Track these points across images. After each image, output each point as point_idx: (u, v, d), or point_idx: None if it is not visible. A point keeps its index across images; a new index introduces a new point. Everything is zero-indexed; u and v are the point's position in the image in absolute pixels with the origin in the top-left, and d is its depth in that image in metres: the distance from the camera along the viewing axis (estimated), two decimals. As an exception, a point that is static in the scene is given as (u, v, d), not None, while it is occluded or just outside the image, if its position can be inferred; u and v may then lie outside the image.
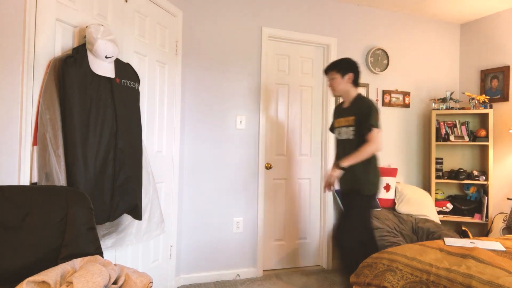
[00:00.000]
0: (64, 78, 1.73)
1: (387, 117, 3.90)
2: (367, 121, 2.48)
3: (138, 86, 2.17)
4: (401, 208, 3.58)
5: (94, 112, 1.84)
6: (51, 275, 1.27)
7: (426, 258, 2.02)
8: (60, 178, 1.69)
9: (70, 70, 1.73)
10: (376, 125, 2.47)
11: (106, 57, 1.88)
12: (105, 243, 2.03)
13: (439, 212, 3.80)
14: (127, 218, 2.14)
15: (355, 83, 2.66)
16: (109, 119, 1.90)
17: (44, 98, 1.70)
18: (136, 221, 2.17)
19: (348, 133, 2.62)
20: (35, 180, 1.69)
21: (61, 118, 1.72)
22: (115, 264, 1.49)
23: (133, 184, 2.06)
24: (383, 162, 3.86)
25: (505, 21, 3.78)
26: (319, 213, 3.68)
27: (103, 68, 1.90)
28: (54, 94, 1.72)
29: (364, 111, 2.52)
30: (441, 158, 3.90)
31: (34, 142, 1.69)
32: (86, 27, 1.86)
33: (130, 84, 2.09)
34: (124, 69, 2.08)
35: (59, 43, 1.83)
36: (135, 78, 2.16)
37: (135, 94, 2.14)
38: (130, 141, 2.06)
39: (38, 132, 1.69)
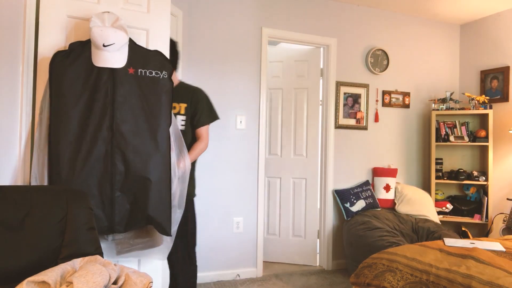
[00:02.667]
0: (50, 75, 1.66)
1: (387, 117, 3.90)
2: (203, 114, 2.19)
3: (166, 75, 1.87)
4: (401, 208, 3.58)
5: (85, 109, 1.68)
6: (51, 275, 1.27)
7: (426, 259, 2.02)
8: (38, 178, 1.66)
9: (55, 66, 1.66)
10: (213, 119, 2.24)
11: (104, 46, 1.67)
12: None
13: (439, 213, 3.80)
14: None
15: (174, 64, 2.24)
16: (105, 117, 1.71)
17: (42, 97, 1.70)
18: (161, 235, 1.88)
19: (179, 122, 2.19)
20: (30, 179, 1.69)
21: (48, 116, 1.67)
22: (115, 264, 1.49)
23: (146, 192, 1.76)
24: (383, 162, 3.86)
25: (505, 22, 3.78)
26: (319, 213, 3.68)
27: (104, 58, 1.71)
28: (47, 92, 1.70)
29: (199, 99, 2.20)
30: (441, 159, 3.90)
31: (32, 141, 1.70)
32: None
33: (151, 73, 1.82)
34: (145, 57, 1.83)
35: (71, 40, 1.78)
36: (161, 66, 1.86)
37: (159, 83, 1.84)
38: (144, 141, 1.77)
39: (35, 131, 1.69)
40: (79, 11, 1.80)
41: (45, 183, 1.66)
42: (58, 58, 1.67)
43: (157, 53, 1.88)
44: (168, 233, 1.82)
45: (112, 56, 1.72)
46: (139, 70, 1.79)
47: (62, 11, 1.75)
